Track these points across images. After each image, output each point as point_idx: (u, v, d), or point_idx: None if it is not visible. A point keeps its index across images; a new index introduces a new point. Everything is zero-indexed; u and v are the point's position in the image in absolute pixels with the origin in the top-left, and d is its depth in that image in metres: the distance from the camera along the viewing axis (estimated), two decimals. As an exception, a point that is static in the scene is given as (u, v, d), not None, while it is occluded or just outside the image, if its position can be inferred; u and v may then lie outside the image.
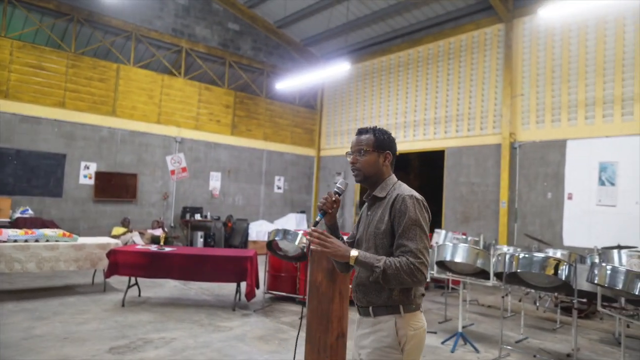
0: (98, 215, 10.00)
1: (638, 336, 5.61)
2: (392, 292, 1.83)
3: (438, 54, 11.20)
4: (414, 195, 1.86)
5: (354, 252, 1.79)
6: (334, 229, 2.07)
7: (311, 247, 1.81)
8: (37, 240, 5.85)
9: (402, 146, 11.80)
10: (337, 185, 2.02)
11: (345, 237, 2.15)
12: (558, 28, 8.97)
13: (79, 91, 9.82)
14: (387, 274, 1.71)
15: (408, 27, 11.56)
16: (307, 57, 13.96)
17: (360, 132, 2.04)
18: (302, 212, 13.66)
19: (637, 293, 3.58)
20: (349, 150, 2.06)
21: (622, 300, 4.40)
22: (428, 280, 1.81)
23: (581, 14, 8.44)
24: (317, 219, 1.97)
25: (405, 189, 1.92)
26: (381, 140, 1.99)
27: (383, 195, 1.94)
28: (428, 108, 11.32)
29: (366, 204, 2.08)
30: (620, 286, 3.70)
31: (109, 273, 5.80)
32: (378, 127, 2.05)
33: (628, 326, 5.26)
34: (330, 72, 10.94)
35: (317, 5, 11.48)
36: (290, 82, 11.59)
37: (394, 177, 2.02)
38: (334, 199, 1.97)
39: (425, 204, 1.87)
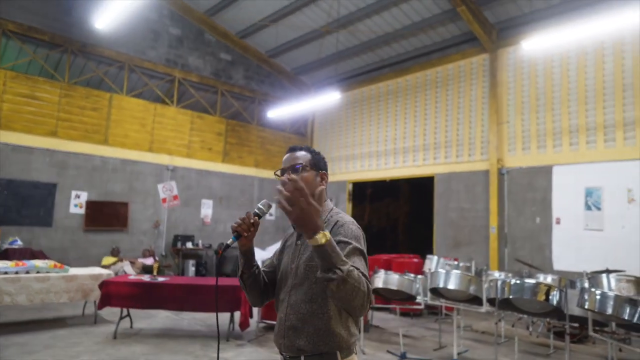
0: (88, 245, 9.90)
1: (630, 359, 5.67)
2: (329, 335, 1.59)
3: (426, 83, 11.50)
4: (355, 223, 1.70)
5: (321, 234, 1.40)
6: (249, 256, 1.77)
7: (281, 197, 1.40)
8: (27, 272, 5.79)
9: (392, 172, 12.00)
10: (259, 205, 1.73)
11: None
12: (541, 58, 9.31)
13: (72, 120, 9.87)
14: (348, 282, 1.40)
15: (396, 57, 11.89)
16: (298, 85, 14.22)
17: (294, 149, 1.83)
18: (294, 238, 13.60)
19: (626, 317, 3.66)
20: (277, 171, 1.81)
21: (613, 324, 4.47)
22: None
23: (562, 45, 8.78)
24: (229, 242, 1.69)
25: (345, 216, 1.73)
26: (318, 159, 1.84)
27: None
28: (417, 135, 11.54)
29: (294, 232, 1.81)
30: (610, 311, 3.79)
31: (101, 304, 5.73)
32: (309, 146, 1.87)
33: (620, 350, 5.31)
34: (320, 100, 11.16)
35: (308, 36, 11.80)
36: (282, 110, 11.77)
37: (330, 203, 1.84)
38: (252, 220, 1.69)
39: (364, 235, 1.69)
